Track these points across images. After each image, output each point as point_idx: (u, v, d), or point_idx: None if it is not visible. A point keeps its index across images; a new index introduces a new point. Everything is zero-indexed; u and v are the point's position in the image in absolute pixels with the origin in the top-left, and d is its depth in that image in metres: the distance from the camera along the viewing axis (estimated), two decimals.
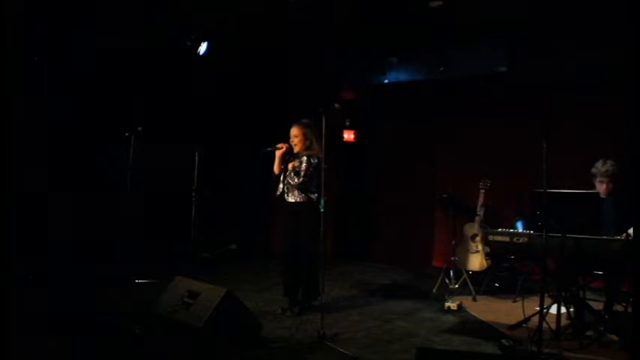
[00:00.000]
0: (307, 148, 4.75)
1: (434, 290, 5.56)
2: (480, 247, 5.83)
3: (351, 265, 7.18)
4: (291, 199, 4.76)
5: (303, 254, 4.69)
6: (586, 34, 5.61)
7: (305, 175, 4.63)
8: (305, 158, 4.68)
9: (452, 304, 5.00)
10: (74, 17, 5.56)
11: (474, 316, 4.86)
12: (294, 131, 4.75)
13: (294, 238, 4.75)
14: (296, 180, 4.66)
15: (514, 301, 5.24)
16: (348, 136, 7.67)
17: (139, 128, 5.58)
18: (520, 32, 5.93)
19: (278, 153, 4.76)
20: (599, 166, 4.46)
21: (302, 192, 4.69)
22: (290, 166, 4.72)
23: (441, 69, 6.46)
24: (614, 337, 4.06)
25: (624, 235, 3.97)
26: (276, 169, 4.80)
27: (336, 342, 3.96)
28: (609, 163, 4.45)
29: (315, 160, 4.66)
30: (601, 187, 4.42)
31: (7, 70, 3.04)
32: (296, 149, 4.76)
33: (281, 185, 4.83)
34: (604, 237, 3.91)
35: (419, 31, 6.30)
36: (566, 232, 3.88)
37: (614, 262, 3.98)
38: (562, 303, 4.04)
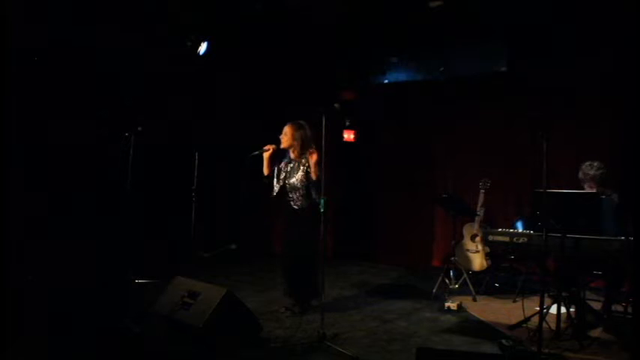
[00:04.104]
0: (302, 153, 4.76)
1: (434, 290, 5.56)
2: (480, 247, 5.83)
3: (351, 265, 7.18)
4: (295, 206, 4.75)
5: (304, 255, 4.70)
6: (585, 35, 5.62)
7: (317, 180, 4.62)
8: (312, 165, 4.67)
9: (452, 304, 5.00)
10: (75, 17, 5.57)
11: (474, 316, 4.85)
12: (285, 129, 4.80)
13: (295, 239, 4.75)
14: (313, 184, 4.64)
15: (514, 301, 5.23)
16: (348, 136, 7.66)
17: (139, 128, 5.59)
18: (520, 32, 5.93)
19: (266, 155, 4.78)
20: (588, 171, 4.38)
21: (308, 197, 4.70)
22: (313, 169, 4.61)
23: (441, 69, 6.46)
24: (614, 337, 4.06)
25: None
26: (265, 170, 4.82)
27: (336, 342, 3.97)
28: (596, 166, 4.37)
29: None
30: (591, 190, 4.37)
31: (6, 70, 3.05)
32: (282, 145, 4.79)
33: (276, 187, 4.84)
34: (604, 237, 3.90)
35: (419, 31, 6.30)
36: (566, 232, 3.87)
37: (614, 262, 3.98)
38: (562, 303, 4.04)
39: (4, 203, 3.16)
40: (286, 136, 4.77)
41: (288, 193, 4.78)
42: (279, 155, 4.86)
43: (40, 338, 3.85)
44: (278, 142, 4.79)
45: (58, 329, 4.07)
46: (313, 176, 4.62)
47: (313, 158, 4.58)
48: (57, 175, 5.92)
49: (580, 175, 4.47)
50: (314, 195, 4.69)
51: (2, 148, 3.21)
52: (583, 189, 4.43)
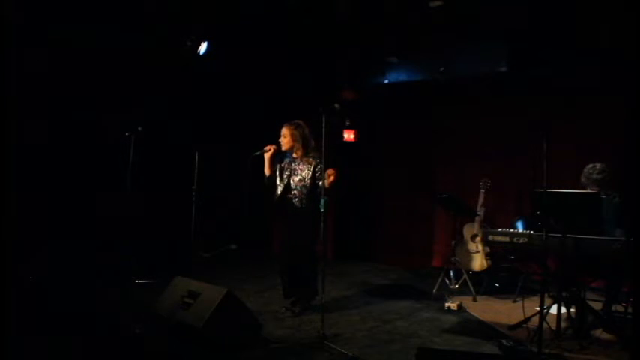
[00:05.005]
0: (306, 152, 4.75)
1: (434, 290, 5.56)
2: (480, 247, 5.83)
3: (351, 265, 7.18)
4: (299, 204, 4.73)
5: (303, 255, 4.69)
6: (585, 34, 5.61)
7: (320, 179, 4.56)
8: (320, 167, 4.61)
9: (452, 304, 5.00)
10: (74, 16, 5.56)
11: (474, 316, 4.86)
12: (283, 131, 4.78)
13: (295, 238, 4.75)
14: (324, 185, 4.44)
15: (514, 301, 5.24)
16: (348, 136, 7.67)
17: (139, 128, 5.58)
18: (520, 33, 5.92)
19: (267, 155, 4.78)
20: (592, 174, 4.34)
21: (311, 197, 4.68)
22: (327, 184, 4.40)
23: (441, 69, 6.45)
24: (614, 337, 4.06)
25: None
26: (266, 171, 4.83)
27: (336, 342, 3.97)
28: (598, 169, 4.33)
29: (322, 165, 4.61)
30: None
31: (6, 70, 3.05)
32: (283, 148, 4.79)
33: (280, 186, 4.82)
34: (604, 237, 3.90)
35: (419, 31, 6.29)
36: (566, 232, 3.87)
37: (614, 262, 3.98)
38: (562, 303, 4.04)
39: (4, 203, 3.16)
40: (286, 138, 4.75)
41: (291, 190, 4.77)
42: (280, 155, 4.86)
43: (40, 338, 3.85)
44: (279, 143, 4.79)
45: (58, 329, 4.07)
46: (327, 186, 4.38)
47: (330, 178, 4.36)
48: (57, 175, 5.92)
49: (582, 179, 4.41)
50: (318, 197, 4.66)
51: (3, 148, 3.21)
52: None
